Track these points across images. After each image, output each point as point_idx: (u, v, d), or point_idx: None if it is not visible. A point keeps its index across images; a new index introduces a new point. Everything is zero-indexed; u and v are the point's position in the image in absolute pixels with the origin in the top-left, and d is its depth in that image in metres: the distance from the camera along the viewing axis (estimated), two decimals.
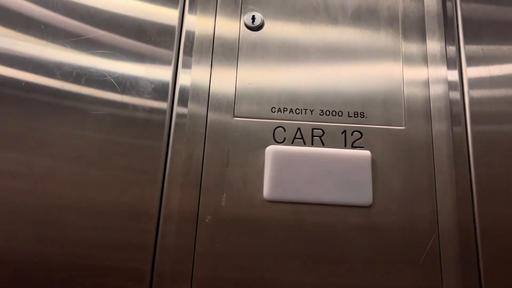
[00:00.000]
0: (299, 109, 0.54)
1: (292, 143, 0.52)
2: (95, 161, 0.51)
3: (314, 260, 0.49)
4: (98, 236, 0.49)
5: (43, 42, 0.56)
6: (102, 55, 0.55)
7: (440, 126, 0.53)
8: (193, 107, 0.54)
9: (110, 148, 0.52)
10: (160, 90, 0.54)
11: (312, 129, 0.53)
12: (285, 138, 0.53)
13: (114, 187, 0.51)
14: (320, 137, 0.53)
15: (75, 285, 0.48)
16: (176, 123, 0.53)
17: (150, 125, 0.53)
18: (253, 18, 0.57)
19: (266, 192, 0.50)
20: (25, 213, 0.50)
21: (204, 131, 0.53)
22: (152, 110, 0.53)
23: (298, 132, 0.53)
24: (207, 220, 0.50)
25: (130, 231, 0.50)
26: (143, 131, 0.53)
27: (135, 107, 0.53)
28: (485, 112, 0.53)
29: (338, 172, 0.50)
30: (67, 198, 0.50)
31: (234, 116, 0.54)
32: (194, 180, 0.51)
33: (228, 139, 0.52)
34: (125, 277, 0.48)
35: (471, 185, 0.50)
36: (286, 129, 0.53)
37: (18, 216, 0.50)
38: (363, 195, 0.50)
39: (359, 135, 0.53)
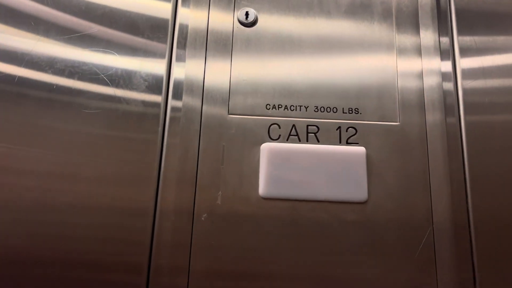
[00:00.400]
0: (293, 106, 0.54)
1: (287, 140, 0.52)
2: (90, 157, 0.51)
3: (310, 256, 0.49)
4: (94, 232, 0.49)
5: (36, 37, 0.55)
6: (95, 51, 0.55)
7: (434, 117, 0.53)
8: (188, 101, 0.53)
9: (105, 143, 0.52)
10: (154, 84, 0.54)
11: (307, 125, 0.53)
12: (280, 135, 0.53)
13: (109, 183, 0.51)
14: (315, 133, 0.53)
15: (72, 281, 0.48)
16: (171, 117, 0.53)
17: (145, 119, 0.52)
18: (247, 14, 0.56)
19: (262, 189, 0.50)
20: (19, 210, 0.50)
21: (199, 128, 0.52)
22: (146, 104, 0.53)
23: (293, 129, 0.53)
24: (203, 218, 0.50)
25: (127, 227, 0.50)
26: (138, 125, 0.52)
27: (129, 101, 0.53)
28: (478, 103, 0.53)
29: (333, 168, 0.51)
30: (62, 194, 0.50)
31: (229, 113, 0.53)
32: (189, 178, 0.51)
33: (223, 137, 0.52)
34: (122, 272, 0.49)
35: (464, 177, 0.51)
36: (281, 126, 0.53)
37: (12, 213, 0.50)
38: (358, 191, 0.50)
39: (354, 131, 0.53)
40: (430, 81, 0.54)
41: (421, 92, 0.54)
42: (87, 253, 0.49)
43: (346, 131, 0.53)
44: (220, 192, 0.51)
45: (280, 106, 0.54)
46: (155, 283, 0.48)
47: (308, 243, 0.50)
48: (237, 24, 0.57)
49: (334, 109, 0.54)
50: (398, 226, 0.50)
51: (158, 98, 0.53)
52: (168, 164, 0.51)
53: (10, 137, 0.52)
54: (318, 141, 0.52)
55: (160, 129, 0.52)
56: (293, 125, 0.53)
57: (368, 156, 0.52)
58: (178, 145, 0.52)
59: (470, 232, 0.49)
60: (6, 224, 0.49)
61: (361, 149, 0.51)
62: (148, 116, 0.53)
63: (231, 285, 0.49)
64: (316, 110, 0.54)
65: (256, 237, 0.50)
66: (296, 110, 0.54)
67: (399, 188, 0.51)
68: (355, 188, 0.50)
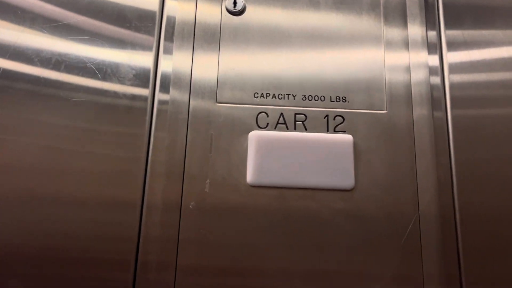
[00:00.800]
0: (281, 94, 0.54)
1: (275, 128, 0.52)
2: (76, 150, 0.51)
3: (298, 245, 0.49)
4: (80, 227, 0.49)
5: (20, 28, 0.54)
6: (82, 41, 0.54)
7: (421, 111, 0.53)
8: (175, 94, 0.53)
9: (91, 136, 0.51)
10: (141, 77, 0.53)
11: (295, 114, 0.53)
12: (268, 123, 0.53)
13: (95, 177, 0.50)
14: (302, 122, 0.53)
15: (58, 277, 0.48)
16: (158, 110, 0.52)
17: (131, 113, 0.52)
18: (235, 2, 0.56)
19: (250, 177, 0.50)
20: (4, 205, 0.49)
21: (187, 117, 0.52)
22: (133, 97, 0.53)
23: (281, 117, 0.53)
24: (191, 206, 0.50)
25: (113, 222, 0.49)
26: (125, 119, 0.52)
27: (116, 94, 0.53)
28: (465, 97, 0.53)
29: (321, 156, 0.51)
30: (47, 188, 0.49)
31: (217, 102, 0.53)
32: (177, 168, 0.51)
33: (211, 125, 0.52)
34: (109, 267, 0.48)
35: (451, 169, 0.51)
36: (269, 114, 0.53)
37: None
38: (346, 178, 0.50)
39: (341, 119, 0.53)
40: (418, 75, 0.55)
41: (408, 85, 0.54)
42: (72, 248, 0.48)
43: (334, 119, 0.53)
44: (208, 180, 0.50)
45: (268, 94, 0.54)
46: (142, 279, 0.48)
47: (296, 231, 0.50)
48: (225, 12, 0.57)
49: (322, 98, 0.54)
50: (385, 214, 0.50)
51: (145, 91, 0.53)
52: (155, 155, 0.51)
53: None
54: (306, 129, 0.53)
55: (148, 122, 0.52)
56: (281, 114, 0.53)
57: (355, 144, 0.52)
58: (165, 137, 0.51)
59: (455, 222, 0.50)
60: None
61: (348, 137, 0.51)
62: (135, 109, 0.52)
63: (218, 280, 0.48)
64: (304, 98, 0.54)
65: (244, 225, 0.50)
66: (284, 98, 0.54)
67: (386, 176, 0.51)
68: (342, 176, 0.50)
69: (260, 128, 0.52)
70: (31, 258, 0.48)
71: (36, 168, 0.50)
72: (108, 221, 0.49)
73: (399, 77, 0.55)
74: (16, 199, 0.49)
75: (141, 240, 0.49)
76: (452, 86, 0.54)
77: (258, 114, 0.53)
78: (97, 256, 0.48)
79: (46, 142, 0.51)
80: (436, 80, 0.54)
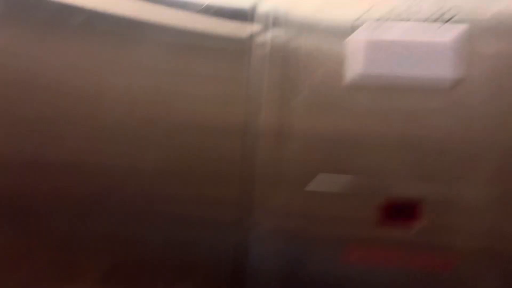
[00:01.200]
0: None
1: None
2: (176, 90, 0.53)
3: (397, 138, 0.49)
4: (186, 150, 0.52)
5: None
6: None
7: None
8: (275, 31, 0.52)
9: (193, 76, 0.53)
10: (239, 16, 0.53)
11: None
12: None
13: (201, 101, 0.52)
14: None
15: (161, 213, 0.52)
16: (258, 47, 0.52)
17: (229, 53, 0.53)
18: None
19: (352, 73, 0.50)
20: (109, 129, 0.53)
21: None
22: (233, 36, 0.53)
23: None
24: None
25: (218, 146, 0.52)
26: (223, 60, 0.53)
27: (214, 35, 0.53)
28: None
29: (426, 48, 0.49)
30: (155, 114, 0.53)
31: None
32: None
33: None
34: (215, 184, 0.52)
35: None
36: None
37: (97, 130, 0.53)
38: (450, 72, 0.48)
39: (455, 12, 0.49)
40: None
41: None
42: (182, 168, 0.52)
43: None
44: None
45: None
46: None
47: (395, 128, 0.49)
48: None
49: None
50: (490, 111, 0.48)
51: (244, 30, 0.53)
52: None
53: (85, 70, 0.53)
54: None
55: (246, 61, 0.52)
56: None
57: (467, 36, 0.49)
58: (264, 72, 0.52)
59: None
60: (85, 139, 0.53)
61: (460, 28, 0.48)
62: (233, 50, 0.53)
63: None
64: None
65: (344, 123, 0.50)
66: None
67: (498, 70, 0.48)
68: (447, 69, 0.48)
69: None
70: (134, 189, 0.52)
71: (139, 100, 0.53)
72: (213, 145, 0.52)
73: None
74: (119, 121, 0.53)
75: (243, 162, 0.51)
76: None
77: None
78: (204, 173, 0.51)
79: (147, 83, 0.53)
80: None
